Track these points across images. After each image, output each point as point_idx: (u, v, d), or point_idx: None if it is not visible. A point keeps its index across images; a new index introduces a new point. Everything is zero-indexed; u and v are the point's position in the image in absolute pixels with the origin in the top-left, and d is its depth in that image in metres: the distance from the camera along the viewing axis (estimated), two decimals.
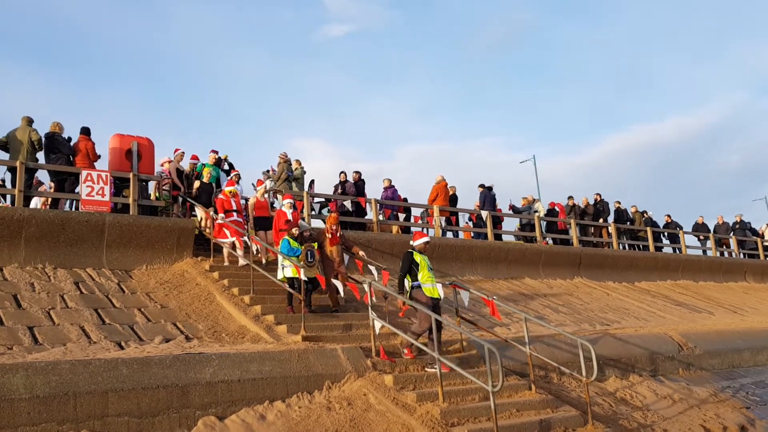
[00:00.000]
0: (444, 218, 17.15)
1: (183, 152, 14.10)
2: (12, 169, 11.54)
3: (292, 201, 11.91)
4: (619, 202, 22.15)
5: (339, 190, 16.41)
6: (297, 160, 16.10)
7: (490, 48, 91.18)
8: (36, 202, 13.34)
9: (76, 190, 12.19)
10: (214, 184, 13.62)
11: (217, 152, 14.89)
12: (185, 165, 14.06)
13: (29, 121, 11.92)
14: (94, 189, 11.62)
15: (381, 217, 16.04)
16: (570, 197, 20.83)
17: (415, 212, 18.50)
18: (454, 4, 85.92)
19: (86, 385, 6.47)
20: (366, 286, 9.14)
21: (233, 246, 11.87)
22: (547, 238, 19.29)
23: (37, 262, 10.53)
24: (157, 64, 79.34)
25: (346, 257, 11.06)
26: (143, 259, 11.54)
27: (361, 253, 11.31)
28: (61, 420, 6.23)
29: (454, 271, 15.50)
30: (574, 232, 19.38)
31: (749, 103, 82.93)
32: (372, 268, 11.18)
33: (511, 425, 7.55)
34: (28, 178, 11.58)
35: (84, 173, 11.61)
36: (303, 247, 10.35)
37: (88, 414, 6.37)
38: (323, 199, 16.24)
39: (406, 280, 8.95)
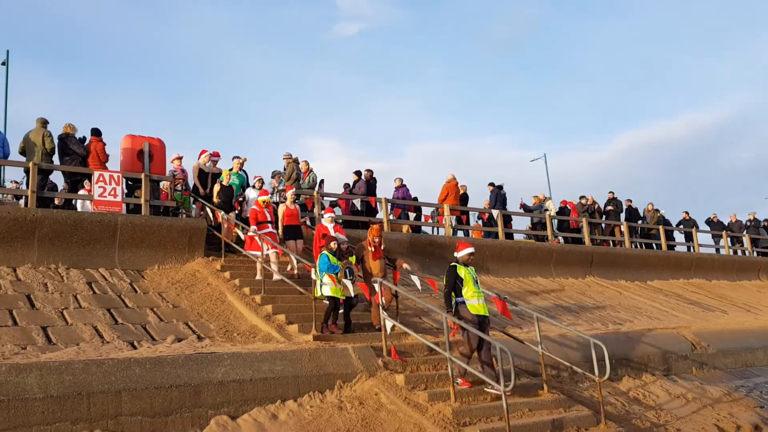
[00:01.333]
0: (454, 217, 17.12)
1: (209, 154, 13.97)
2: (26, 171, 11.64)
3: (333, 215, 11.32)
4: (631, 201, 22.04)
5: (349, 190, 16.41)
6: (305, 161, 15.87)
7: (500, 45, 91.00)
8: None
9: (81, 192, 12.32)
10: (234, 188, 13.38)
11: (239, 157, 14.60)
12: (199, 164, 13.92)
13: (43, 123, 12.01)
14: (106, 189, 11.68)
15: (391, 217, 16.03)
16: (582, 196, 20.74)
17: (426, 211, 18.50)
18: (465, 1, 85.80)
19: (100, 384, 6.51)
20: (377, 286, 9.14)
21: (267, 260, 11.30)
22: (559, 237, 19.22)
23: (50, 262, 10.61)
24: (167, 63, 79.76)
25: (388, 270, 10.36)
26: (155, 259, 11.60)
27: (405, 265, 10.47)
28: (75, 419, 6.27)
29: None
30: (585, 231, 19.29)
31: (762, 99, 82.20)
32: (415, 278, 10.52)
33: (523, 425, 7.52)
34: (42, 179, 11.66)
35: (96, 174, 11.68)
36: (342, 264, 9.70)
37: (102, 413, 6.41)
38: (333, 198, 16.24)
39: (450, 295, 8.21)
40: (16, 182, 16.03)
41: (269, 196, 12.89)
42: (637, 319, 14.25)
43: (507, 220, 18.52)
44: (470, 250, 8.55)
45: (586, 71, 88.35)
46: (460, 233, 17.48)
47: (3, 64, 21.57)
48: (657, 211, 22.51)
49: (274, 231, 11.73)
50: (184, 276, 11.36)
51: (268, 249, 11.28)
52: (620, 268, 19.13)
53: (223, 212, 12.41)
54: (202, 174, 13.69)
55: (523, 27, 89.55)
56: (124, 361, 6.88)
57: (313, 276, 9.70)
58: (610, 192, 21.58)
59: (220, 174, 13.87)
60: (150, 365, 6.94)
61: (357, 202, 16.09)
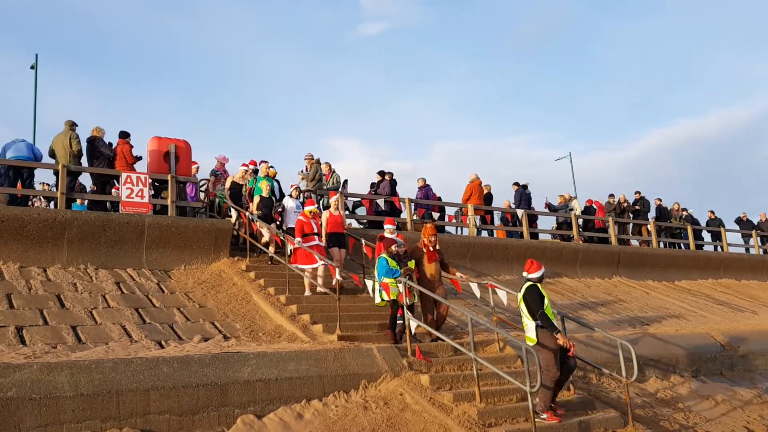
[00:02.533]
0: (479, 217, 17.05)
1: (246, 169, 13.77)
2: (56, 173, 11.85)
3: (393, 227, 10.96)
4: (660, 200, 21.77)
5: (374, 190, 16.43)
6: (327, 163, 15.87)
7: (526, 43, 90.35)
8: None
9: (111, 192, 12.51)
10: (274, 198, 12.97)
11: (267, 162, 14.35)
12: (234, 177, 13.73)
13: (71, 126, 12.20)
14: (133, 191, 11.85)
15: (415, 217, 16.02)
16: (611, 195, 20.53)
17: (450, 211, 18.44)
18: None
19: (128, 383, 6.60)
20: (400, 286, 9.13)
21: (314, 274, 10.84)
22: (585, 237, 19.03)
23: (80, 262, 10.78)
24: (192, 64, 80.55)
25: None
26: (182, 259, 11.73)
27: (458, 274, 10.25)
28: (104, 417, 6.36)
29: (490, 271, 15.39)
30: (612, 231, 19.08)
31: None
32: (474, 287, 10.17)
33: (549, 426, 7.47)
34: (71, 180, 11.86)
35: (124, 175, 11.85)
36: (402, 269, 9.31)
37: (131, 411, 6.50)
38: (357, 198, 16.27)
39: (527, 318, 7.71)
40: (46, 184, 16.31)
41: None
42: (665, 320, 14.07)
43: (532, 219, 18.40)
44: (543, 270, 8.03)
45: (613, 69, 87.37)
46: (484, 233, 17.40)
47: (32, 67, 21.96)
48: (684, 210, 22.20)
49: (321, 243, 11.16)
50: (210, 276, 11.47)
51: (317, 262, 10.65)
52: (647, 268, 18.89)
53: (249, 213, 12.44)
54: (235, 187, 13.45)
55: (551, 24, 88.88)
56: (152, 360, 6.96)
57: (369, 282, 9.41)
58: (637, 192, 21.35)
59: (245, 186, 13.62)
60: (177, 364, 7.02)
61: (381, 202, 16.10)
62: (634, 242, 20.44)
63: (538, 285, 7.81)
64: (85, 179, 14.13)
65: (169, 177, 12.29)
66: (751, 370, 11.84)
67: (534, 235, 17.92)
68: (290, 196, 12.98)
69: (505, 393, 8.03)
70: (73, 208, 12.21)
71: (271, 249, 11.99)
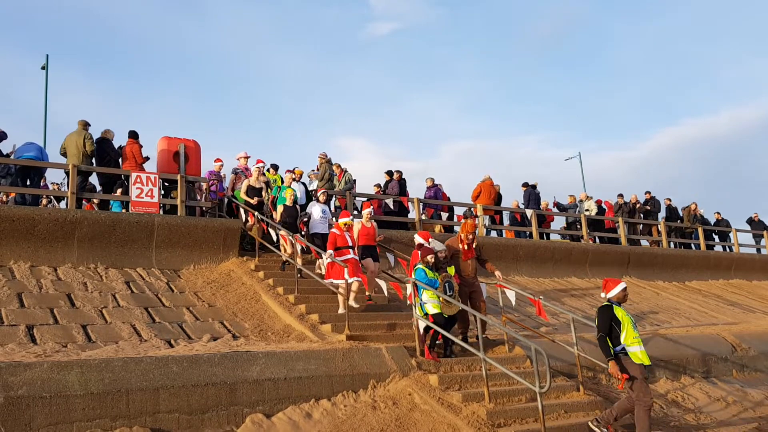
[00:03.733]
0: (488, 217, 17.02)
1: (259, 168, 13.50)
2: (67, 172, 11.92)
3: (351, 218, 10.69)
4: (670, 200, 21.66)
5: (382, 190, 16.42)
6: (337, 164, 15.86)
7: (536, 42, 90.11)
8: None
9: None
10: (299, 207, 12.35)
11: (293, 171, 13.85)
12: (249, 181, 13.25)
13: (84, 125, 12.27)
14: (143, 191, 11.90)
15: (423, 217, 16.01)
16: (620, 195, 20.44)
17: (459, 211, 18.42)
18: None
19: (138, 382, 6.62)
20: (409, 286, 9.12)
21: (348, 289, 9.91)
22: (594, 237, 18.95)
23: (90, 262, 10.83)
24: (202, 63, 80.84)
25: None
26: (191, 258, 11.76)
27: (497, 273, 9.92)
28: (114, 416, 6.39)
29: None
30: (622, 231, 19.00)
31: None
32: (511, 295, 9.94)
33: (558, 426, 7.44)
34: (82, 180, 11.93)
35: (133, 175, 11.90)
36: (440, 277, 8.89)
37: (140, 410, 6.52)
38: (365, 198, 16.27)
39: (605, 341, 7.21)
40: (56, 184, 16.41)
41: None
42: (676, 320, 13.99)
43: (541, 219, 18.35)
44: (623, 286, 7.48)
45: (624, 68, 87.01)
46: (494, 233, 17.37)
47: (43, 68, 22.11)
48: (698, 210, 22.07)
49: (355, 257, 10.34)
50: (219, 276, 11.50)
51: (349, 277, 9.77)
52: (658, 269, 18.79)
53: (257, 213, 12.43)
54: (252, 191, 13.01)
55: (561, 24, 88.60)
56: (161, 359, 6.98)
57: (409, 289, 9.02)
58: (647, 192, 21.25)
59: (269, 186, 13.31)
60: (187, 363, 7.03)
61: (390, 203, 16.09)
62: (644, 242, 20.35)
63: (614, 306, 7.32)
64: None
65: (178, 177, 12.33)
66: (763, 371, 11.74)
67: (544, 236, 17.87)
68: (317, 200, 12.39)
69: (515, 393, 8.01)
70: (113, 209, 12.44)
71: (299, 261, 11.24)
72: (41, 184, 13.28)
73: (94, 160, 12.35)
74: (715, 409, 9.54)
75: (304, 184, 13.90)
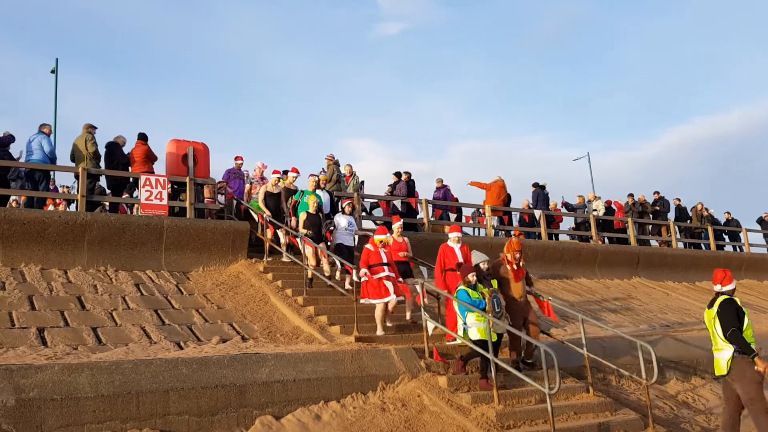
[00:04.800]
0: (497, 218, 16.99)
1: (279, 177, 13.02)
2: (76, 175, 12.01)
3: (459, 234, 9.90)
4: (679, 200, 21.57)
5: (390, 191, 16.42)
6: (348, 165, 15.87)
7: (543, 42, 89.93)
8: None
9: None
10: (321, 215, 11.76)
11: (316, 175, 13.34)
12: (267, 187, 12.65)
13: (88, 128, 12.33)
14: (152, 193, 11.96)
15: (432, 218, 16.00)
16: (630, 195, 20.36)
17: (467, 212, 18.41)
18: None
19: (148, 384, 6.65)
20: (418, 287, 9.11)
21: (385, 309, 9.52)
22: (603, 237, 18.89)
23: (100, 264, 10.89)
24: (209, 65, 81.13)
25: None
26: (200, 260, 11.80)
27: (549, 298, 9.39)
28: (124, 418, 6.41)
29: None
30: (631, 231, 18.92)
31: None
32: (582, 319, 9.12)
33: (568, 428, 7.41)
34: (91, 183, 12.00)
35: (143, 178, 11.96)
36: (487, 291, 8.20)
37: (151, 412, 6.54)
38: (374, 200, 16.28)
39: (722, 342, 6.73)
40: (66, 187, 16.51)
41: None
42: (686, 321, 13.91)
43: (550, 220, 18.30)
44: (735, 282, 7.03)
45: (633, 67, 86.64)
46: (502, 234, 17.34)
47: (52, 72, 22.24)
48: (706, 210, 21.96)
49: (392, 274, 9.64)
50: (228, 278, 11.53)
51: (389, 295, 9.40)
52: (667, 269, 18.70)
53: (267, 214, 12.23)
54: (271, 197, 12.46)
55: (569, 23, 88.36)
56: (171, 361, 7.01)
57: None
58: (656, 192, 21.16)
59: (293, 192, 12.77)
60: (196, 365, 7.06)
61: (398, 204, 16.09)
62: (654, 243, 20.26)
63: (736, 299, 6.81)
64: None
65: (187, 179, 12.38)
66: None
67: (552, 236, 17.82)
68: (342, 212, 11.78)
69: (524, 395, 7.98)
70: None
71: (326, 266, 10.70)
72: (50, 187, 13.36)
73: (102, 163, 12.42)
74: None
75: (330, 192, 13.42)
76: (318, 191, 12.52)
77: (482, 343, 7.85)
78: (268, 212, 12.16)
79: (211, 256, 11.95)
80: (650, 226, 20.46)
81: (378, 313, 9.53)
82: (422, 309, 8.91)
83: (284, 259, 11.89)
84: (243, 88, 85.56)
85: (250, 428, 6.92)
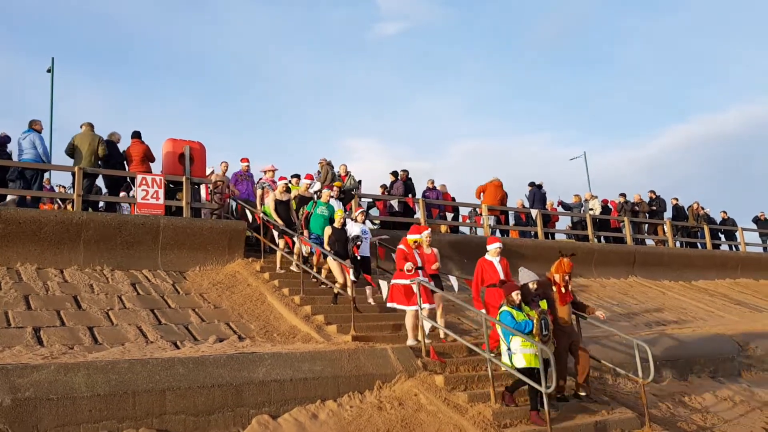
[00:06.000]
0: (493, 217, 17.01)
1: (286, 183, 12.51)
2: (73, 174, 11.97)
3: (499, 246, 9.22)
4: (677, 199, 21.61)
5: (387, 191, 16.41)
6: (343, 165, 15.83)
7: (543, 41, 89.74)
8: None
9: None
10: (348, 230, 10.97)
11: (332, 188, 12.56)
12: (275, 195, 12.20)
13: (92, 128, 12.28)
14: (148, 192, 11.93)
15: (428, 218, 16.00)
16: (622, 194, 20.39)
17: (464, 212, 18.42)
18: None
19: (144, 383, 6.64)
20: (415, 287, 9.11)
21: (416, 316, 8.78)
22: (600, 237, 18.91)
23: (96, 264, 10.87)
24: (207, 65, 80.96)
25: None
26: (196, 260, 11.78)
27: (599, 313, 8.81)
28: (120, 417, 6.40)
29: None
30: (627, 230, 18.96)
31: None
32: (578, 318, 8.85)
33: (565, 427, 7.43)
34: (89, 183, 11.97)
35: (139, 177, 11.94)
36: (534, 313, 7.60)
37: (147, 412, 6.53)
38: (370, 199, 16.27)
39: None
40: (63, 186, 16.47)
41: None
42: (682, 320, 13.95)
43: (547, 219, 18.32)
44: None
45: (631, 67, 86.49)
46: (498, 233, 17.35)
47: (49, 71, 22.16)
48: (702, 209, 22.02)
49: (425, 279, 8.90)
50: (224, 277, 11.51)
51: (421, 303, 8.66)
52: (664, 268, 18.73)
53: (280, 223, 11.92)
54: (281, 205, 12.06)
55: (569, 23, 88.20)
56: (167, 361, 7.00)
57: (501, 332, 7.67)
58: (651, 191, 21.19)
59: (308, 199, 12.31)
60: (193, 365, 7.05)
61: (395, 203, 16.09)
62: (650, 242, 20.31)
63: None
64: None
65: (184, 179, 12.37)
66: None
67: (549, 235, 17.84)
68: (355, 220, 11.32)
69: (520, 394, 7.98)
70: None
71: (349, 280, 9.81)
72: (45, 186, 13.32)
73: (101, 163, 12.39)
74: (722, 408, 9.51)
75: (341, 199, 12.91)
76: (332, 201, 12.06)
77: (529, 372, 7.33)
78: (280, 222, 11.82)
79: (207, 255, 11.93)
80: (646, 226, 20.49)
81: (409, 321, 8.89)
82: (418, 308, 8.89)
83: (293, 268, 11.51)
84: (241, 88, 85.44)
85: (246, 428, 6.92)
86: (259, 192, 13.21)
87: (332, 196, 12.06)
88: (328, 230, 10.70)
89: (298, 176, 14.01)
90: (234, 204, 13.93)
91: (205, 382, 6.92)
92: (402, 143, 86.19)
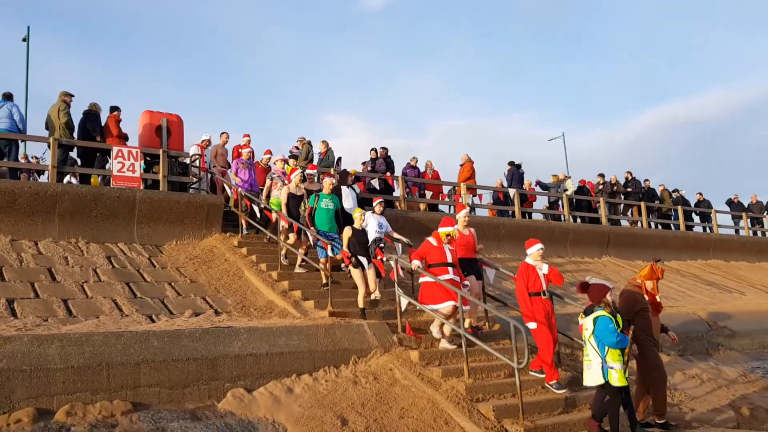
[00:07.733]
0: (471, 196, 17.11)
1: (302, 174, 11.61)
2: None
3: (541, 248, 8.23)
4: (648, 181, 21.88)
5: (369, 167, 16.39)
6: (324, 141, 15.75)
7: (525, 21, 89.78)
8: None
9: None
10: (366, 232, 9.99)
11: (334, 176, 11.64)
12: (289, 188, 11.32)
13: (62, 97, 12.02)
14: (125, 165, 11.80)
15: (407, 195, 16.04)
16: (600, 175, 20.58)
17: (444, 190, 18.48)
18: None
19: (119, 356, 6.64)
20: (392, 263, 9.17)
21: (449, 316, 8.28)
22: (575, 217, 19.11)
23: (71, 236, 10.76)
24: (189, 39, 79.72)
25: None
26: (173, 234, 11.72)
27: (672, 334, 8.30)
28: (94, 390, 6.40)
29: None
30: (603, 211, 19.18)
31: None
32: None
33: (536, 401, 7.57)
34: (62, 154, 11.79)
35: (115, 149, 11.79)
36: (630, 331, 7.08)
37: (121, 384, 6.54)
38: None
39: None
40: (36, 157, 16.21)
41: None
42: None
43: (524, 199, 18.47)
44: None
45: (612, 48, 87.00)
46: (476, 212, 17.46)
47: (24, 40, 21.72)
48: (676, 191, 22.30)
49: (456, 278, 8.41)
50: (201, 251, 11.47)
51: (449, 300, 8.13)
52: (637, 249, 19.02)
53: (241, 189, 12.09)
54: (293, 199, 11.31)
55: (552, 3, 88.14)
56: (142, 334, 7.00)
57: (594, 355, 6.80)
58: (627, 173, 21.40)
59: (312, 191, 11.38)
60: (168, 338, 7.05)
61: (375, 181, 16.07)
62: (624, 222, 20.57)
63: None
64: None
65: (161, 152, 12.24)
66: (737, 349, 11.99)
67: (526, 215, 17.99)
68: (372, 212, 10.49)
69: (493, 369, 8.13)
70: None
71: (375, 284, 9.33)
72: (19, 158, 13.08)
73: (75, 134, 12.18)
74: (690, 386, 9.74)
75: (353, 187, 12.27)
76: (344, 188, 11.42)
77: (621, 392, 6.83)
78: (291, 220, 10.83)
79: (184, 229, 11.86)
80: (621, 206, 20.74)
81: (437, 321, 8.49)
82: (395, 284, 8.97)
83: (297, 270, 10.81)
84: (223, 64, 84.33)
85: (221, 401, 6.96)
86: (267, 183, 12.36)
87: (334, 185, 10.98)
88: (348, 232, 9.63)
89: (296, 156, 14.09)
90: (210, 177, 13.80)
91: (180, 356, 6.94)
92: (384, 120, 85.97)
